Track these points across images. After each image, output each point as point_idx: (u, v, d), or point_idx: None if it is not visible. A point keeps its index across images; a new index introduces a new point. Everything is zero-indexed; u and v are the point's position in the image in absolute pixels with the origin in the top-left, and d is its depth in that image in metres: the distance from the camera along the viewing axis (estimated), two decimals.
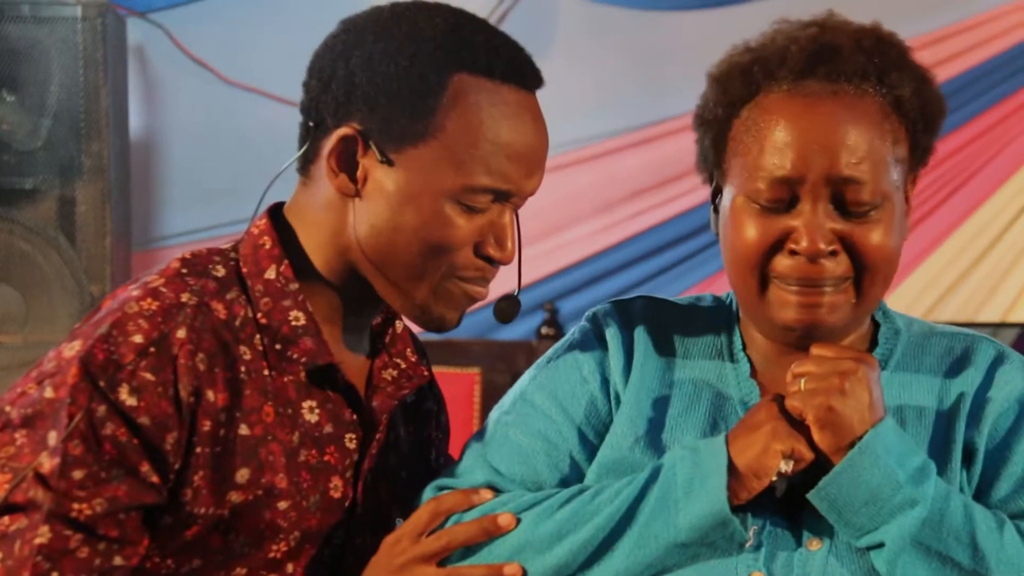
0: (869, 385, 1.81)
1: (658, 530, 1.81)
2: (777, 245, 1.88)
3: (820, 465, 1.81)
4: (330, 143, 1.89)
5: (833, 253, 1.86)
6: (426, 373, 2.05)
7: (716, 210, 1.97)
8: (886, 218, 1.87)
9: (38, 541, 1.75)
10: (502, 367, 4.76)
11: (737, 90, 1.91)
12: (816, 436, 1.80)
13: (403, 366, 2.03)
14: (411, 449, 2.10)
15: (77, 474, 1.76)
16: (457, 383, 4.64)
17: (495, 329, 5.04)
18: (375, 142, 1.87)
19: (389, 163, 1.87)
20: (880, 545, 1.79)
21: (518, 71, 1.91)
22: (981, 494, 1.89)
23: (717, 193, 1.97)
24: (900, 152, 1.89)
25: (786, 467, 1.80)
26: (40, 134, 4.71)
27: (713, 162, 1.95)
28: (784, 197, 1.86)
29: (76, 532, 1.77)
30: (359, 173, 1.89)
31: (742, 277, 1.91)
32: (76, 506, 1.76)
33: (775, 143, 1.86)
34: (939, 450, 1.89)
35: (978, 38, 5.01)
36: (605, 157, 5.20)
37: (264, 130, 4.71)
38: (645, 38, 5.19)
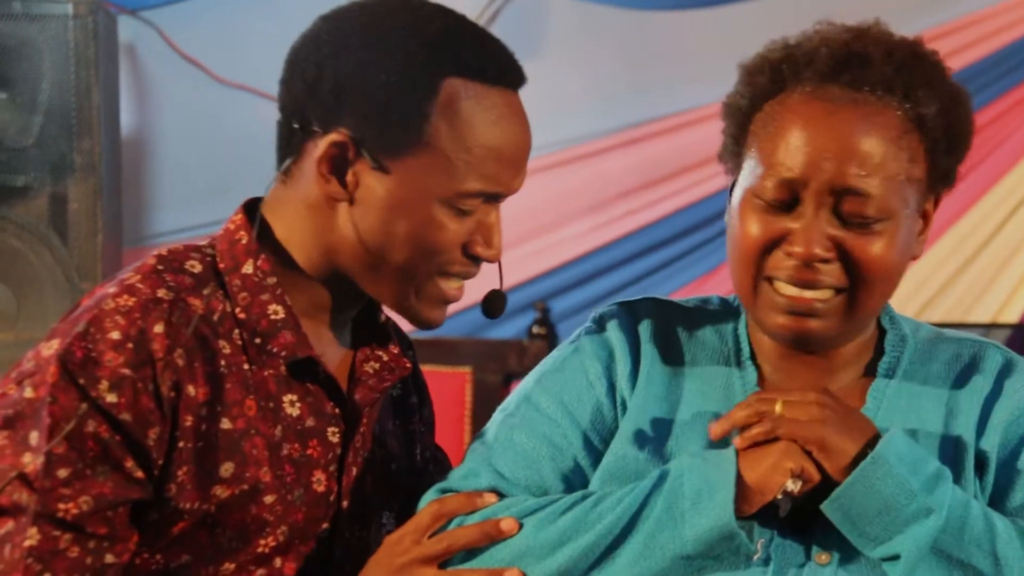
0: (839, 405, 1.82)
1: (664, 541, 1.80)
2: (774, 244, 1.87)
3: (825, 486, 1.79)
4: (320, 148, 1.88)
5: (827, 260, 1.85)
6: (408, 365, 2.05)
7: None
8: (889, 232, 1.85)
9: (27, 543, 1.75)
10: (493, 366, 4.75)
11: (763, 84, 1.90)
12: (823, 462, 1.78)
13: (385, 358, 2.03)
14: (398, 443, 2.10)
15: (61, 473, 1.76)
16: (448, 382, 4.64)
17: (486, 328, 5.05)
18: (368, 150, 1.87)
19: (383, 170, 1.87)
20: (895, 557, 1.77)
21: (505, 72, 1.92)
22: (995, 504, 1.87)
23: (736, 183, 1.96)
24: (916, 171, 1.87)
25: (793, 486, 1.78)
26: (31, 131, 4.70)
27: (732, 152, 1.94)
28: (787, 198, 1.85)
29: (65, 532, 1.76)
30: (349, 178, 1.89)
31: (739, 272, 1.90)
32: (62, 505, 1.76)
33: (788, 143, 1.85)
34: (951, 460, 1.87)
35: (969, 38, 5.01)
36: (596, 156, 5.20)
37: (256, 128, 4.69)
38: (636, 38, 5.19)
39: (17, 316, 4.74)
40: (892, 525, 1.76)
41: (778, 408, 1.80)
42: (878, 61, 1.86)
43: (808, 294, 1.85)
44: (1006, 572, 1.77)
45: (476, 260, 1.94)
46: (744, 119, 1.92)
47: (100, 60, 4.75)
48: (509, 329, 5.15)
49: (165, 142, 5.35)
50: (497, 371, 4.72)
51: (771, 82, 1.90)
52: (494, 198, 1.92)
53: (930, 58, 1.90)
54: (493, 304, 2.02)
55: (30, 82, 4.69)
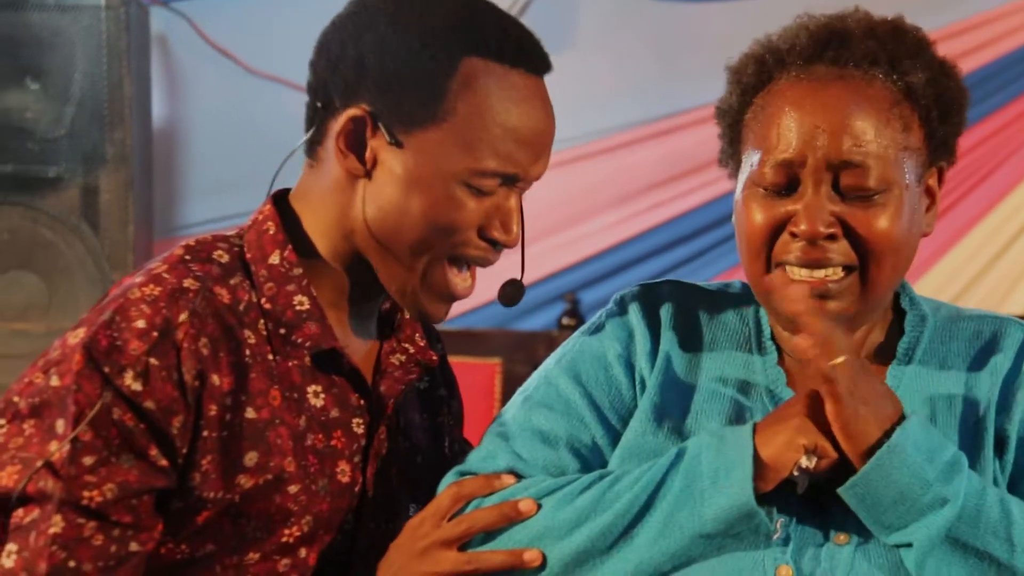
0: (871, 382, 1.80)
1: (683, 520, 1.80)
2: (780, 228, 1.87)
3: (846, 463, 1.80)
4: (339, 124, 1.90)
5: (833, 237, 1.85)
6: (435, 357, 2.06)
7: None
8: (893, 204, 1.86)
9: (52, 531, 1.76)
10: (522, 357, 4.76)
11: (750, 79, 1.92)
12: (843, 445, 1.78)
13: (411, 351, 2.04)
14: (425, 436, 2.11)
15: (86, 460, 1.77)
16: (477, 373, 4.65)
17: (516, 319, 5.06)
18: (385, 124, 1.88)
19: (398, 145, 1.88)
20: (911, 544, 1.77)
21: (527, 55, 1.92)
22: (1014, 483, 1.87)
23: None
24: (912, 140, 1.88)
25: (808, 462, 1.78)
26: (63, 122, 4.73)
27: (730, 153, 1.96)
28: (785, 181, 1.86)
29: (89, 520, 1.77)
30: (367, 155, 1.89)
31: (750, 263, 1.91)
32: (87, 493, 1.77)
33: (780, 127, 1.86)
34: (970, 439, 1.88)
35: (987, 36, 5.00)
36: (625, 148, 5.20)
37: (286, 119, 4.69)
38: (665, 29, 5.19)
39: (49, 306, 4.77)
40: (907, 514, 1.76)
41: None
42: (859, 37, 1.88)
43: (819, 274, 1.86)
44: (1021, 558, 1.77)
45: (493, 244, 1.93)
46: (736, 117, 1.93)
47: (132, 51, 4.78)
48: (538, 320, 5.16)
49: (196, 133, 5.37)
50: (526, 362, 4.73)
51: (756, 76, 1.91)
52: (511, 180, 1.91)
53: (913, 32, 1.92)
54: (509, 293, 2.01)
55: (62, 73, 4.72)
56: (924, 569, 1.77)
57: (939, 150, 1.92)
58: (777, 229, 1.87)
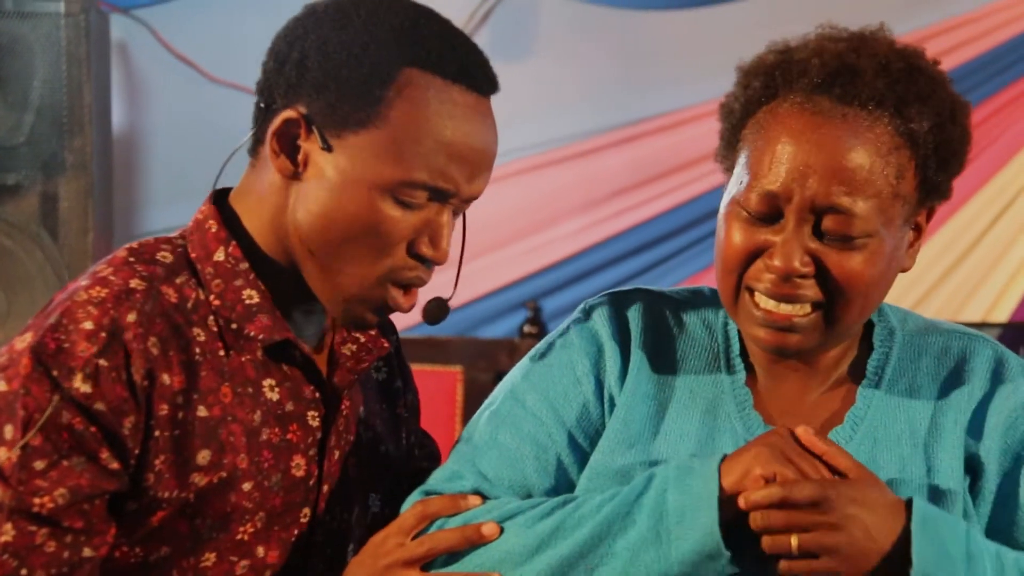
0: (861, 506, 1.76)
1: (649, 561, 1.78)
2: (755, 255, 1.86)
3: None
4: (275, 124, 1.89)
5: (806, 275, 1.83)
6: (386, 344, 2.05)
7: None
8: (871, 249, 1.84)
9: (3, 539, 1.75)
10: (484, 365, 4.76)
11: (757, 89, 1.88)
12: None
13: (362, 339, 2.03)
14: (385, 426, 2.10)
15: (37, 465, 1.76)
16: (439, 381, 4.64)
17: (477, 327, 5.05)
18: (318, 126, 1.87)
19: (328, 148, 1.87)
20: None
21: (470, 73, 1.90)
22: (996, 514, 1.88)
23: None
24: (904, 187, 1.85)
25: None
26: (23, 130, 4.70)
27: (725, 155, 1.93)
28: (769, 211, 1.84)
29: (41, 527, 1.76)
30: (300, 156, 1.89)
31: (722, 279, 1.90)
32: (37, 500, 1.76)
33: (774, 155, 1.83)
34: (939, 461, 1.87)
35: (961, 37, 5.03)
36: (588, 155, 5.20)
37: (247, 128, 4.71)
38: (628, 37, 5.20)
39: (7, 315, 4.74)
40: None
41: (793, 543, 1.75)
42: (870, 75, 1.83)
43: (785, 308, 1.84)
44: None
45: (423, 261, 1.91)
46: (738, 123, 1.90)
47: (92, 58, 4.75)
48: (500, 328, 5.16)
49: (156, 141, 5.35)
50: (488, 370, 4.73)
51: (764, 88, 1.88)
52: (442, 196, 1.89)
53: (928, 71, 1.87)
54: (433, 311, 2.00)
55: (21, 80, 4.69)
56: None
57: (932, 194, 1.90)
58: (753, 255, 1.86)
